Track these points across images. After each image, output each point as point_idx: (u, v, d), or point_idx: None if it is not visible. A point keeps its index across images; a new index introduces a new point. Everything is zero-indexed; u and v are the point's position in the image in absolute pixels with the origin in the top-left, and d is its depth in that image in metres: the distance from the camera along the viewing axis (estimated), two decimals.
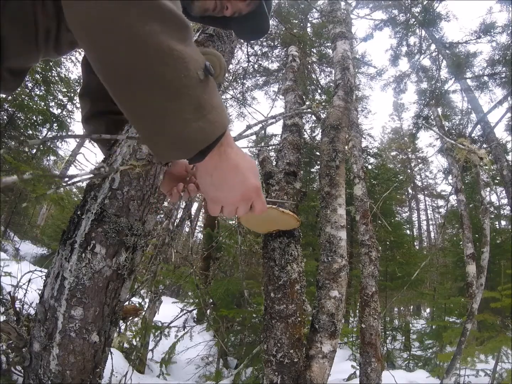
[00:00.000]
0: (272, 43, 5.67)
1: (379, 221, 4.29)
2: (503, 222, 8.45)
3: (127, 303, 2.66)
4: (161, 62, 0.40)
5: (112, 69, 0.41)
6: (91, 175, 0.58)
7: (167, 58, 0.40)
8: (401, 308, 10.40)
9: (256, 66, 6.11)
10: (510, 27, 5.68)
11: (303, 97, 1.94)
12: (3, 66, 0.69)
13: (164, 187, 0.75)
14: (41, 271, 2.39)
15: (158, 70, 0.40)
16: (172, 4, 0.42)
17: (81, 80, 0.99)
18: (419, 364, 5.31)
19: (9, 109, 6.52)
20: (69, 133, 7.80)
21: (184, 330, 4.16)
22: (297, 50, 2.30)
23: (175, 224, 3.80)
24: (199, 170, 0.53)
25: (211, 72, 0.45)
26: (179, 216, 4.40)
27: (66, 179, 0.54)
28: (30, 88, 6.84)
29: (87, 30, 0.40)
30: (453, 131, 6.65)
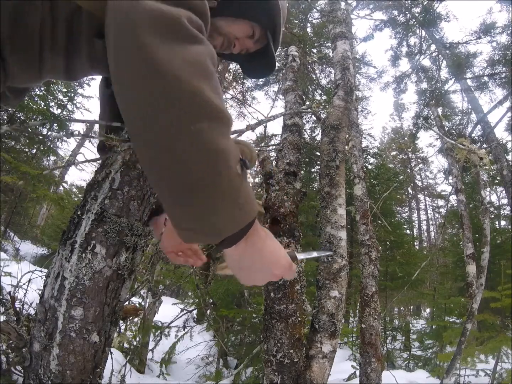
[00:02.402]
0: None
1: (379, 221, 4.29)
2: (503, 222, 8.45)
3: (127, 303, 2.66)
4: (212, 164, 0.40)
5: (164, 166, 0.41)
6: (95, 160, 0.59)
7: (216, 158, 0.41)
8: (401, 308, 10.40)
9: None
10: (510, 27, 5.67)
11: (303, 97, 1.94)
12: (5, 85, 0.70)
13: (164, 246, 0.70)
14: (41, 271, 2.38)
15: (206, 171, 0.40)
16: (219, 98, 0.42)
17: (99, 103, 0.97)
18: (419, 364, 5.31)
19: (9, 109, 6.52)
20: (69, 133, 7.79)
21: (184, 330, 4.15)
22: (297, 50, 2.30)
23: None
24: (227, 253, 0.51)
25: (247, 166, 0.46)
26: None
27: (76, 161, 0.54)
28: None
29: (143, 135, 0.41)
30: (453, 131, 6.64)
